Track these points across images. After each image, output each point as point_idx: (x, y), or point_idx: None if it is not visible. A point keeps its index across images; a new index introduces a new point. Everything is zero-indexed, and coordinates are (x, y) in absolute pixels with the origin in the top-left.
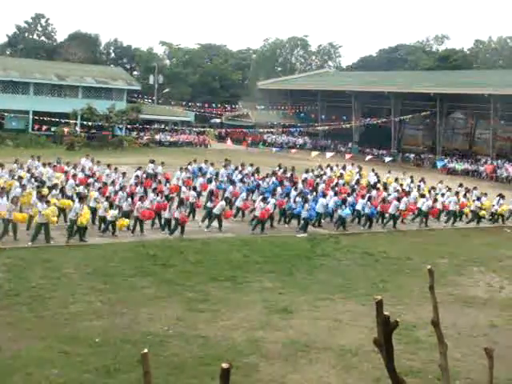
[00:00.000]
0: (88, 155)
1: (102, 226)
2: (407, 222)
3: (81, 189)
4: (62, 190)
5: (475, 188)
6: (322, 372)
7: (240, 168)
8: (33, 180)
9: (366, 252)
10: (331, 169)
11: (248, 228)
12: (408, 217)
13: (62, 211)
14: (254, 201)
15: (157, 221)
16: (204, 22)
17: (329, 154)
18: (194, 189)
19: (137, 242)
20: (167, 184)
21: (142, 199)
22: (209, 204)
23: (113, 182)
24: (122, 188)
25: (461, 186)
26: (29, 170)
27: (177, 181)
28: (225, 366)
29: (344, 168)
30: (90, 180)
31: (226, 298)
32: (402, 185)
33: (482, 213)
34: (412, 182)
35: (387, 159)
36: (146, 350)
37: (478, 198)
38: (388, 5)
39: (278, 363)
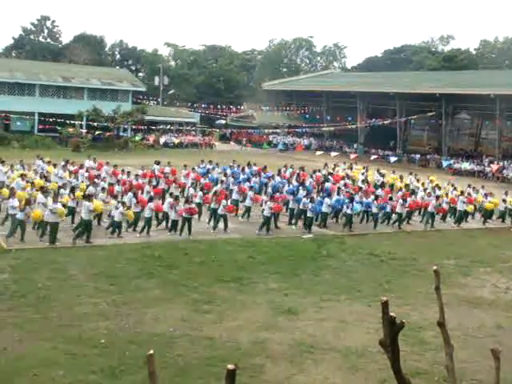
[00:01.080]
0: (89, 156)
1: (110, 228)
2: (412, 222)
3: (90, 188)
4: (73, 190)
5: (483, 187)
6: (327, 373)
7: (247, 168)
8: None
9: (372, 253)
10: (334, 167)
11: (253, 229)
12: (414, 217)
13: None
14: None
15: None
16: (209, 24)
17: (333, 154)
18: (202, 189)
19: (142, 243)
20: (174, 183)
21: (151, 199)
22: (213, 205)
23: (118, 182)
24: (130, 188)
25: (469, 186)
26: (35, 170)
27: (184, 179)
28: (231, 367)
29: (351, 168)
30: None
31: (232, 299)
32: (407, 185)
33: (489, 205)
34: (418, 180)
35: (392, 159)
36: (151, 351)
37: (486, 196)
38: (393, 5)
39: (284, 364)
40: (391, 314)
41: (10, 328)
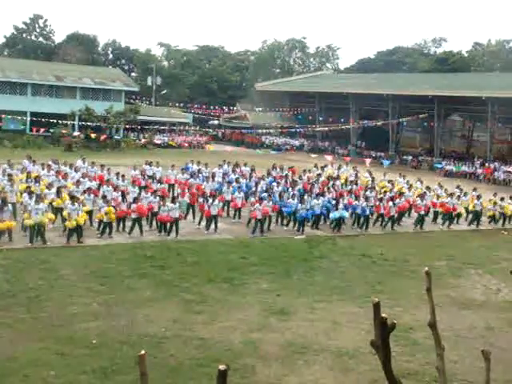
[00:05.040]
0: (81, 156)
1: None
2: (403, 224)
3: (73, 189)
4: (59, 191)
5: (475, 189)
6: (319, 374)
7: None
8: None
9: (364, 254)
10: (322, 168)
11: (246, 230)
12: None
13: (60, 212)
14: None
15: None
16: (202, 24)
17: (327, 157)
18: (189, 189)
19: (134, 244)
20: (159, 184)
21: (136, 200)
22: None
23: (107, 181)
24: (115, 188)
25: (458, 187)
26: (21, 170)
27: (172, 178)
28: (222, 367)
29: (339, 168)
30: (83, 180)
31: (224, 300)
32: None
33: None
34: (408, 184)
35: (386, 162)
36: (143, 352)
37: (478, 198)
38: (386, 7)
39: (275, 365)
40: (383, 315)
41: (0, 328)
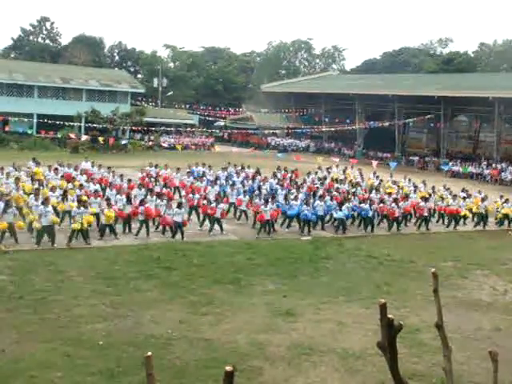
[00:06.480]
0: (86, 158)
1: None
2: (409, 224)
3: (78, 192)
4: (65, 194)
5: (479, 191)
6: (325, 375)
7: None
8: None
9: (370, 255)
10: (328, 172)
11: (252, 231)
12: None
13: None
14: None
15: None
16: (208, 25)
17: (333, 159)
18: (193, 192)
19: (140, 245)
20: (164, 188)
21: (143, 202)
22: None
23: (110, 184)
24: (118, 191)
25: (463, 190)
26: (27, 173)
27: (178, 181)
28: (228, 369)
29: (344, 171)
30: (87, 185)
31: (230, 301)
32: (402, 188)
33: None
34: (414, 185)
35: (392, 165)
36: (149, 353)
37: (483, 200)
38: (392, 8)
39: (282, 366)
40: (389, 316)
41: (7, 329)
